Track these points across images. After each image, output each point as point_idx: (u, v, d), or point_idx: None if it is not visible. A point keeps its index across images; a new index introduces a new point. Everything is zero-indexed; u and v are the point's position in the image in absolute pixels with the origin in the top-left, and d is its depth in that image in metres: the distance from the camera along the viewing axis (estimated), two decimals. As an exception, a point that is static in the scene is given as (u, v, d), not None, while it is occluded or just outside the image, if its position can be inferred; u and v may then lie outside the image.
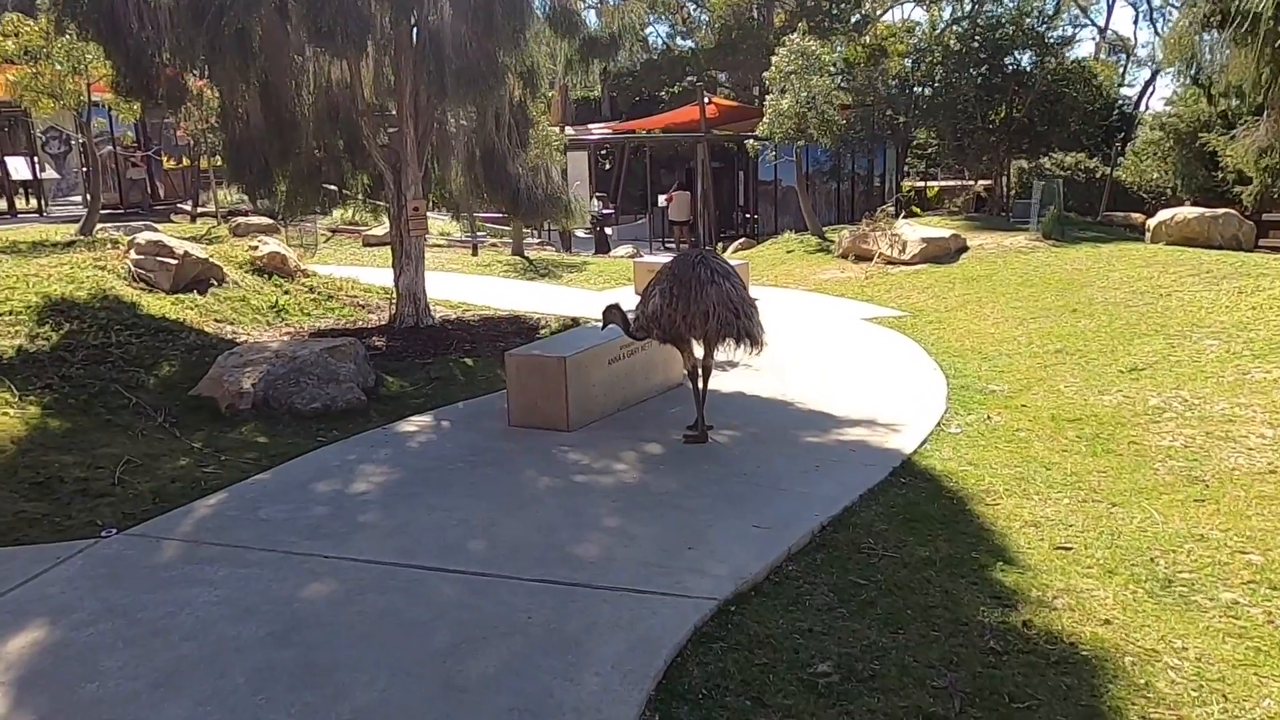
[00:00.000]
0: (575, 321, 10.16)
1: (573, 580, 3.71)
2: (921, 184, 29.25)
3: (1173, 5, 34.46)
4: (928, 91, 23.53)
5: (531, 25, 8.71)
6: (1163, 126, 23.89)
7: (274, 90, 9.09)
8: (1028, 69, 18.47)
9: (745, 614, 3.48)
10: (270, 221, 17.44)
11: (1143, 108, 32.79)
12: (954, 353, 8.71)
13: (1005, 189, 20.13)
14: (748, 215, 26.23)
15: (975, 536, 4.28)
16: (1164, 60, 14.88)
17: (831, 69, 18.06)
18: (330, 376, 6.64)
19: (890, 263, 14.22)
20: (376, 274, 14.07)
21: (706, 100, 22.38)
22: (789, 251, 16.97)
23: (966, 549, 4.12)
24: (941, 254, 14.06)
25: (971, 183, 28.08)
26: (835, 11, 27.73)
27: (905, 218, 17.07)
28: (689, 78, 31.37)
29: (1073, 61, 19.60)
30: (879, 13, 32.86)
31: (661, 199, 22.62)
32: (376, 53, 9.43)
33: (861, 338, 9.52)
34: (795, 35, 17.60)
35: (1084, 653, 3.26)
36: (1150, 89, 37.14)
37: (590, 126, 27.38)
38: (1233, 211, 13.33)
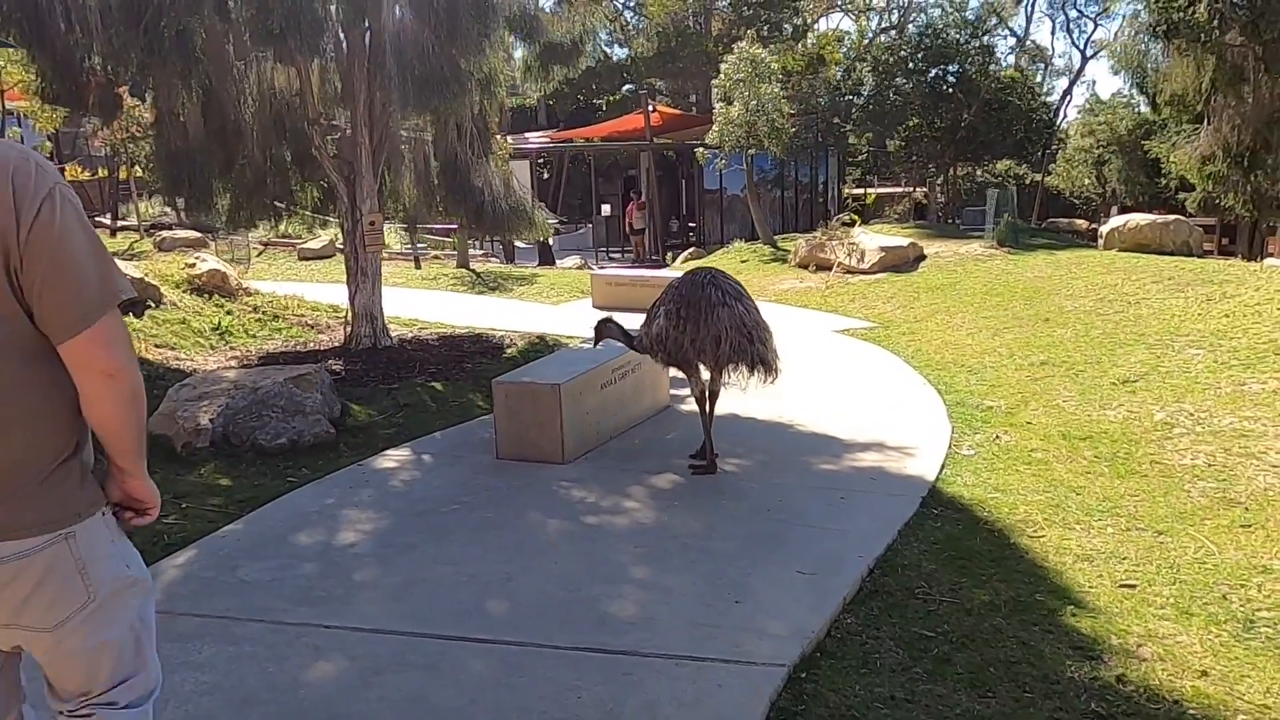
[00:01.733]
0: (541, 339, 9.72)
1: (618, 647, 3.30)
2: (860, 191, 29.49)
3: (1086, 16, 35.53)
4: (858, 100, 23.71)
5: (496, 30, 8.28)
6: (1093, 133, 24.49)
7: (217, 97, 8.46)
8: (973, 76, 18.66)
9: (818, 681, 3.11)
10: (198, 235, 16.57)
11: (1060, 116, 33.67)
12: (937, 365, 8.52)
13: (950, 196, 20.33)
14: (690, 224, 26.06)
15: (1031, 575, 3.99)
16: (1115, 67, 15.06)
17: (781, 76, 17.95)
18: (295, 408, 6.09)
19: (850, 272, 14.10)
20: (320, 290, 13.41)
21: (651, 108, 22.10)
22: (743, 261, 16.77)
23: (1027, 590, 3.83)
24: (900, 263, 13.99)
25: (910, 190, 28.41)
26: (773, 20, 27.76)
27: (848, 226, 17.00)
28: (627, 86, 31.12)
29: (1015, 68, 19.84)
30: (810, 22, 33.11)
31: (632, 208, 22.25)
32: (327, 58, 8.87)
33: (839, 351, 9.28)
34: (744, 43, 17.44)
35: (1192, 712, 2.98)
36: (1068, 98, 38.20)
37: (527, 135, 26.90)
38: (1182, 218, 13.55)
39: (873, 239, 14.54)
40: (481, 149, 9.22)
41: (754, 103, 17.04)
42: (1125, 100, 25.63)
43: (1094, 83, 30.81)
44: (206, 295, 10.29)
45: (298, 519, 4.71)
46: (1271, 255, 15.86)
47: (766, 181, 24.08)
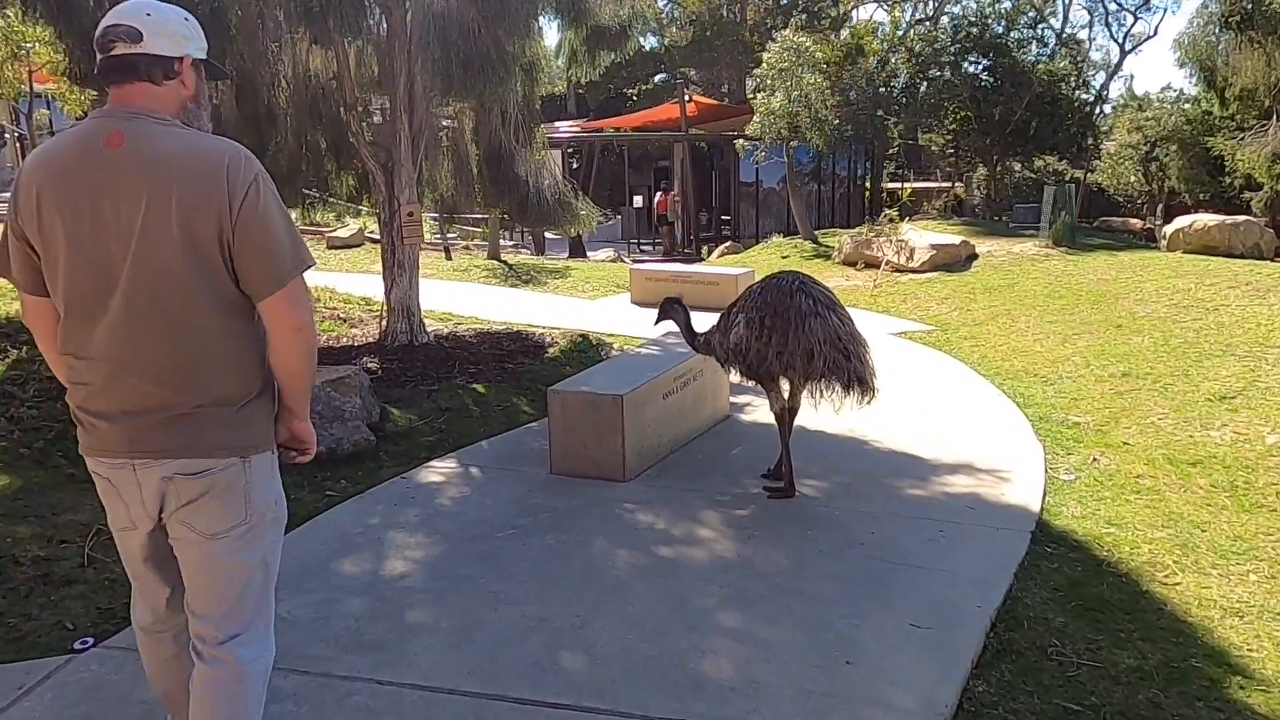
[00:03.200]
0: (584, 338, 9.26)
1: (721, 718, 2.83)
2: (896, 185, 28.83)
3: (1126, 9, 34.46)
4: (892, 92, 23.06)
5: (544, 10, 7.80)
6: (1140, 129, 23.71)
7: (250, 79, 8.03)
8: (1025, 68, 17.99)
9: (963, 771, 2.64)
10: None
11: (1097, 111, 32.85)
12: (1008, 374, 7.99)
13: (995, 192, 19.67)
14: (724, 217, 25.51)
15: (1176, 633, 3.50)
16: (1182, 59, 14.40)
17: (824, 66, 17.36)
18: (335, 414, 5.66)
19: (899, 270, 13.55)
20: (351, 281, 13.01)
21: (687, 98, 21.55)
22: (784, 257, 16.23)
23: (1177, 653, 3.33)
24: (952, 261, 13.43)
25: (950, 185, 27.71)
26: (811, 9, 27.10)
27: (896, 222, 16.41)
28: (660, 75, 30.56)
29: (1068, 61, 19.13)
30: (847, 11, 32.36)
31: (659, 197, 21.74)
32: (366, 40, 8.43)
33: (900, 356, 8.76)
34: (787, 31, 16.86)
35: None
36: (1105, 92, 37.28)
37: (557, 124, 26.43)
38: (1253, 218, 12.89)
39: (922, 236, 13.97)
40: (525, 137, 8.76)
41: (796, 93, 16.48)
42: (1177, 94, 24.85)
43: (1131, 78, 30.09)
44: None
45: (340, 543, 4.27)
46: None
47: (803, 175, 23.46)
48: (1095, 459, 5.61)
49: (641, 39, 9.74)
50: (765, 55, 16.92)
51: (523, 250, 21.07)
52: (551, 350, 8.79)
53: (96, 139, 2.06)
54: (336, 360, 8.06)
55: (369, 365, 7.92)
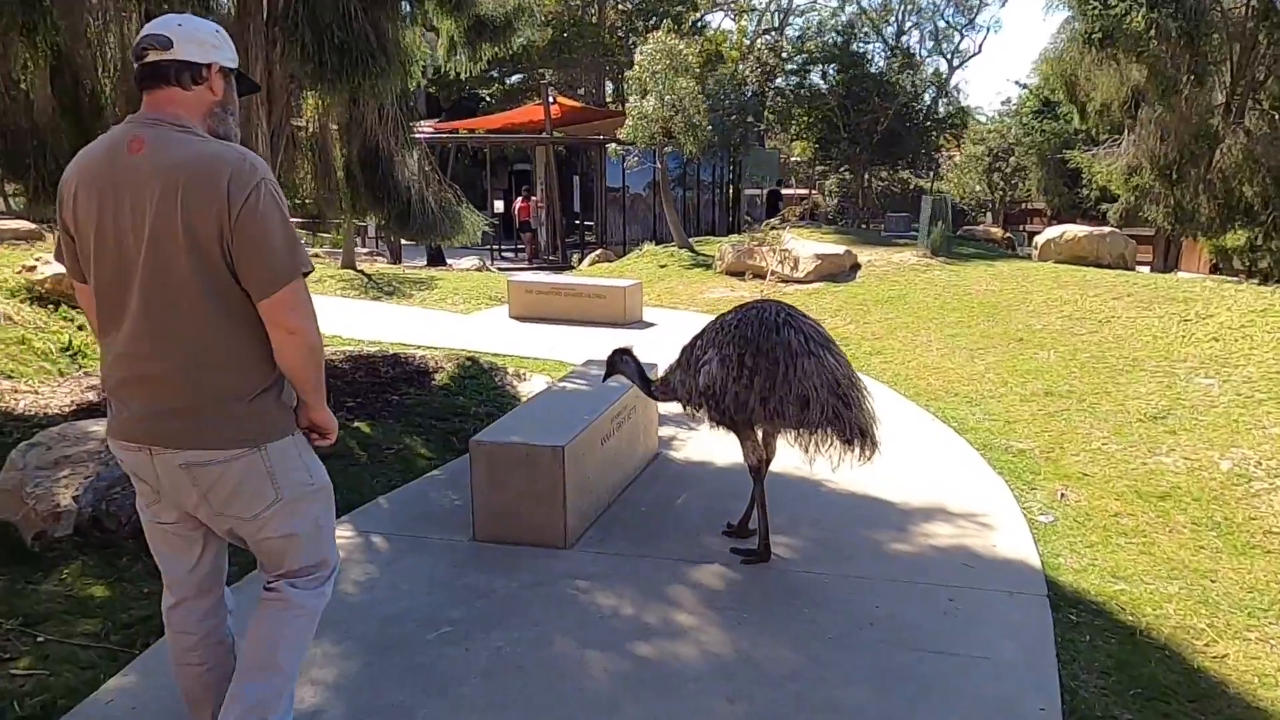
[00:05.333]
0: (473, 361, 8.33)
1: None
2: (756, 192, 28.97)
3: (954, 28, 36.08)
4: (745, 98, 23.09)
5: (430, -7, 6.87)
6: (983, 141, 24.66)
7: (69, 62, 6.67)
8: (889, 80, 18.21)
9: None
10: (33, 226, 14.17)
11: (934, 122, 34.29)
12: (930, 395, 7.64)
13: (863, 201, 19.82)
14: (588, 223, 24.81)
15: (1257, 724, 3.03)
16: (1041, 76, 14.78)
17: (696, 70, 16.94)
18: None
19: (784, 280, 13.22)
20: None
21: (551, 100, 20.72)
22: (662, 266, 15.67)
23: (1273, 754, 2.86)
24: (837, 271, 13.22)
25: (806, 193, 28.08)
26: (670, 13, 26.81)
27: (778, 230, 16.19)
28: (516, 76, 29.58)
29: (933, 73, 19.51)
30: (698, 18, 32.40)
31: (519, 203, 20.72)
32: (211, 16, 7.21)
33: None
34: (660, 33, 16.35)
35: None
36: (934, 106, 39.05)
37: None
38: (1117, 230, 13.30)
39: (806, 246, 13.72)
40: (405, 138, 7.74)
41: (669, 97, 15.99)
42: (1016, 108, 26.05)
43: (959, 92, 31.26)
44: (52, 306, 8.40)
45: (220, 661, 3.26)
46: (1180, 269, 15.99)
47: (670, 181, 23.10)
48: (1063, 494, 5.22)
49: (528, 33, 8.85)
50: (637, 57, 16.34)
51: (379, 258, 19.69)
52: (438, 376, 7.82)
53: (122, 143, 2.21)
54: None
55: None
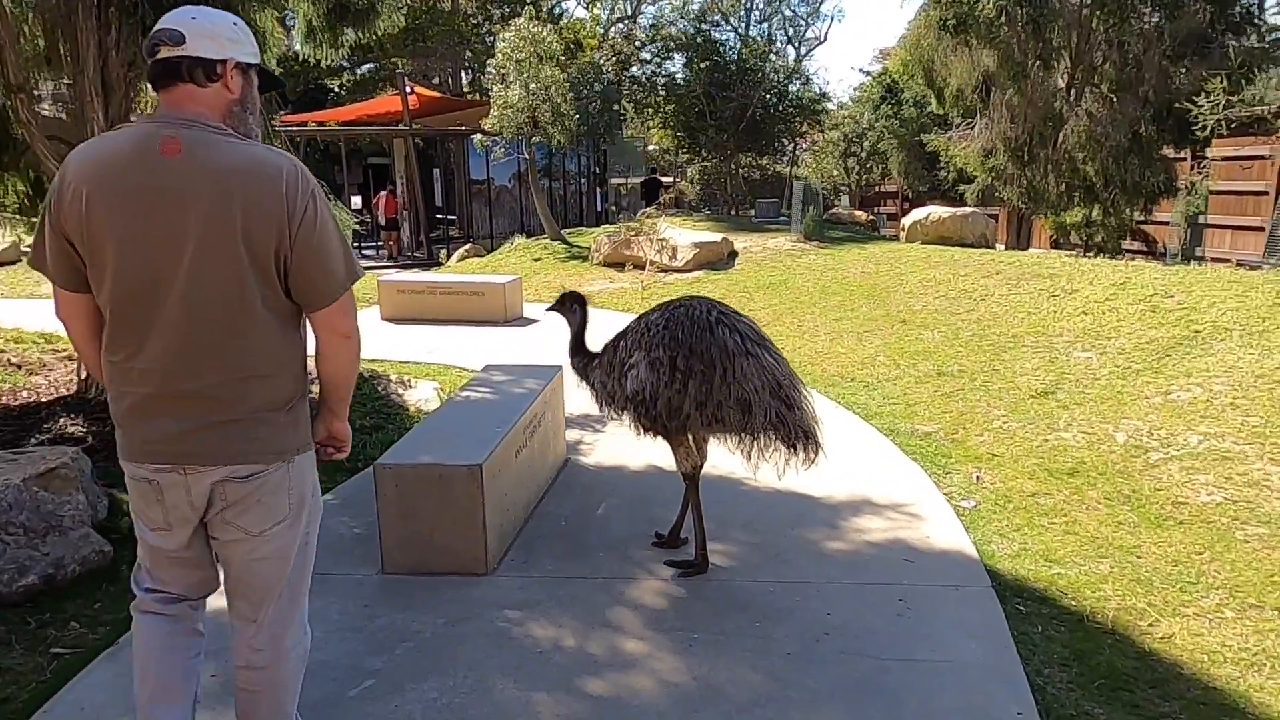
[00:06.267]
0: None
1: None
2: (620, 181, 28.86)
3: (800, 17, 36.90)
4: (602, 85, 22.97)
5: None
6: (838, 126, 25.33)
7: None
8: (751, 67, 18.34)
9: None
10: None
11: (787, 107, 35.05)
12: (827, 380, 7.63)
13: (731, 188, 19.94)
14: (451, 216, 24.06)
15: (1217, 706, 3.02)
16: (900, 62, 15.14)
17: (560, 59, 16.58)
18: (48, 525, 3.97)
19: (664, 270, 13.09)
20: (17, 310, 10.41)
21: (409, 90, 19.89)
22: (536, 260, 15.30)
23: (1243, 736, 2.84)
24: (715, 259, 13.19)
25: (672, 180, 28.16)
26: (529, 0, 26.26)
27: (654, 219, 16.07)
28: (367, 65, 28.35)
29: (796, 61, 19.77)
30: (549, 6, 31.95)
31: (382, 198, 19.77)
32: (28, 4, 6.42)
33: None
34: (522, 20, 15.89)
35: None
36: (799, 93, 40.03)
37: (255, 117, 23.46)
38: (979, 210, 13.80)
39: (683, 235, 13.63)
40: (267, 131, 7.09)
41: (534, 85, 15.59)
42: (863, 95, 26.90)
43: (807, 80, 31.92)
44: None
45: (102, 749, 2.79)
46: (1034, 245, 16.79)
47: (536, 172, 22.63)
48: (978, 477, 5.24)
49: (393, 17, 8.34)
50: (500, 45, 15.85)
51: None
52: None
53: (152, 145, 2.07)
54: (19, 427, 6.07)
55: (70, 430, 6.02)
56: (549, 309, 4.49)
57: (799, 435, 3.49)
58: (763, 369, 3.49)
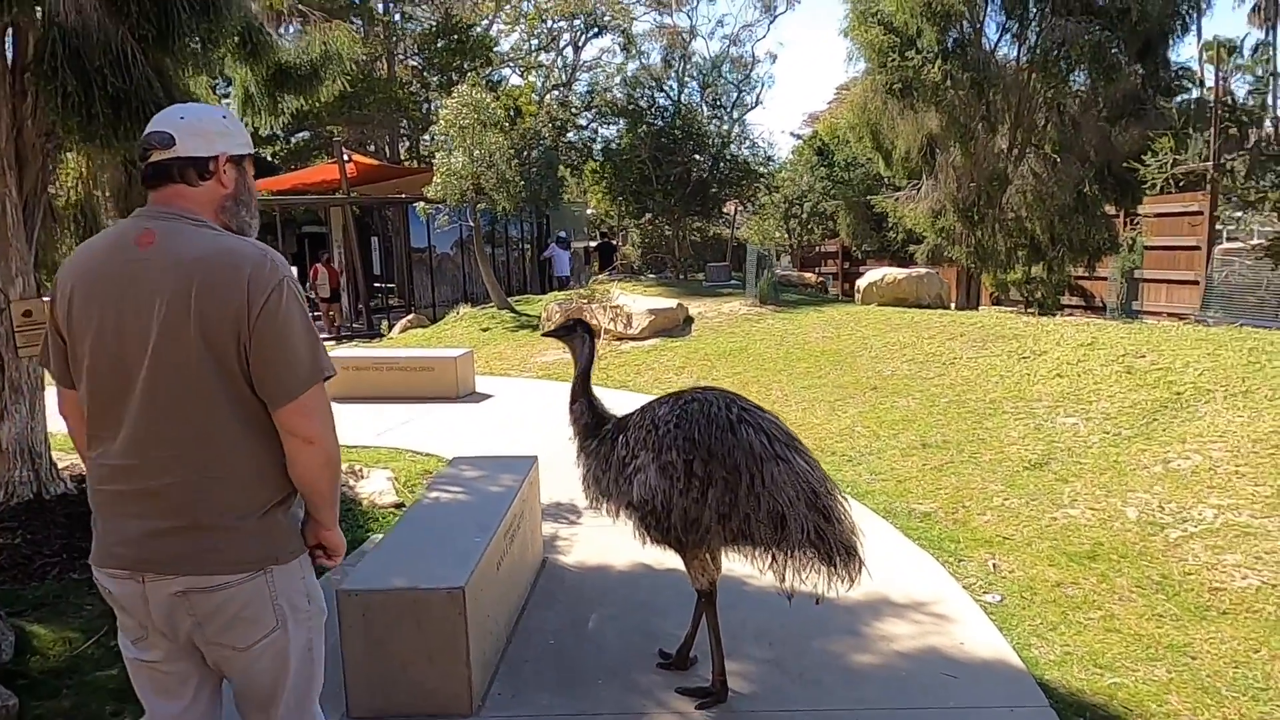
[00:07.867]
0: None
1: None
2: (580, 245, 28.62)
3: (731, 83, 37.47)
4: (539, 151, 22.88)
5: (229, 34, 5.84)
6: (778, 189, 25.52)
7: None
8: (697, 132, 18.29)
9: None
10: None
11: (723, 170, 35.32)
12: (807, 457, 7.23)
13: (679, 251, 19.72)
14: (389, 285, 23.46)
15: None
16: (853, 122, 15.21)
17: (504, 125, 16.29)
18: (-62, 679, 3.30)
19: (620, 339, 12.69)
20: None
21: (346, 158, 19.40)
22: (484, 329, 14.78)
23: None
24: (672, 326, 12.85)
25: (619, 245, 28.02)
26: (464, 68, 26.15)
27: (607, 286, 15.72)
28: (301, 133, 27.82)
29: (733, 123, 19.81)
30: (489, 73, 31.94)
31: (319, 270, 19.09)
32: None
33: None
34: (465, 86, 15.62)
35: None
36: (745, 157, 40.47)
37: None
38: (932, 271, 13.75)
39: (637, 301, 13.28)
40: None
41: (478, 151, 15.27)
42: (798, 157, 27.23)
43: (752, 143, 32.32)
44: None
45: None
46: (984, 305, 16.84)
47: (481, 238, 22.20)
48: (995, 565, 4.85)
49: (337, 83, 7.93)
50: (443, 112, 15.54)
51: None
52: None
53: (130, 238, 2.07)
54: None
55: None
56: (548, 334, 4.03)
57: (840, 551, 3.03)
58: (796, 476, 3.04)
